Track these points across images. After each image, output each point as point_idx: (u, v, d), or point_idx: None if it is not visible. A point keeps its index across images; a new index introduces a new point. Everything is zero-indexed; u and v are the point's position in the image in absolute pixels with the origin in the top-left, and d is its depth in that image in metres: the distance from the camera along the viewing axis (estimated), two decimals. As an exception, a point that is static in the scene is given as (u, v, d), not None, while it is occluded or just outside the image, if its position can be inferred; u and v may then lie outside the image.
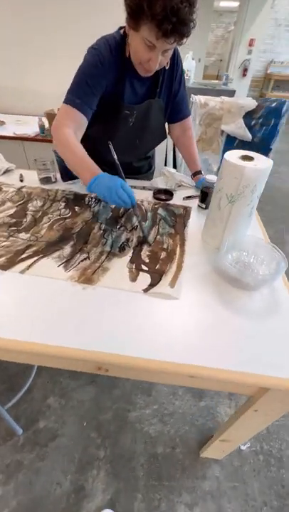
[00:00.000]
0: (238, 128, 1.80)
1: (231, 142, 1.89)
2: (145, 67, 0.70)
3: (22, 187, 0.95)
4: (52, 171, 0.96)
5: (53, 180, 0.99)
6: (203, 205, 0.88)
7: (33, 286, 0.57)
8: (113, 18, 1.00)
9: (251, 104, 1.74)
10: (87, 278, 0.60)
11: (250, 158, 0.59)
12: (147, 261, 0.66)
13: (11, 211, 0.81)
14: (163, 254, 0.68)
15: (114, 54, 0.70)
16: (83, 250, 0.68)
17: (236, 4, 5.13)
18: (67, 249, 0.68)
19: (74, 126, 0.72)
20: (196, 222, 0.82)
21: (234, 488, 0.90)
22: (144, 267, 0.64)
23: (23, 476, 0.89)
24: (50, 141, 1.58)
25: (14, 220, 0.77)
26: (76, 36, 1.82)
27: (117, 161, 0.67)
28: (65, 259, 0.64)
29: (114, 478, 0.90)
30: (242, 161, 0.58)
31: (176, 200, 0.93)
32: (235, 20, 5.43)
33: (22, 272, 0.60)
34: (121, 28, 0.74)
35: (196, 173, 0.98)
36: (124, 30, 0.71)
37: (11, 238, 0.70)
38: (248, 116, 1.78)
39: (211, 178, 0.83)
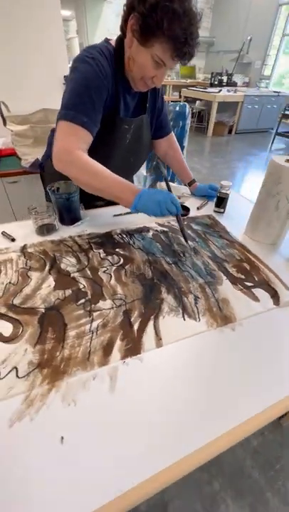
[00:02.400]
0: (157, 132, 1.94)
1: (151, 146, 2.02)
2: (147, 83, 0.70)
3: (23, 247, 0.73)
4: (52, 215, 0.78)
5: (57, 227, 0.81)
6: (221, 210, 0.95)
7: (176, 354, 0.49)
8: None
9: (162, 109, 1.90)
10: (226, 317, 0.56)
11: (294, 162, 0.70)
12: (243, 277, 0.67)
13: (49, 283, 0.62)
14: (246, 266, 0.71)
15: (110, 65, 0.67)
16: (183, 292, 0.62)
17: (68, 13, 5.24)
18: (169, 299, 0.60)
19: (85, 148, 0.67)
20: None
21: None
22: (248, 284, 0.65)
23: None
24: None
25: (70, 292, 0.60)
26: None
27: (164, 172, 0.70)
28: (180, 307, 0.57)
29: (240, 495, 0.89)
30: (292, 165, 0.68)
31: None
32: (76, 29, 5.56)
33: (158, 345, 0.50)
34: (108, 40, 0.71)
35: (190, 182, 1.03)
36: (117, 42, 0.69)
37: (95, 313, 0.55)
38: (161, 120, 1.95)
39: (226, 183, 0.90)
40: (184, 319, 0.55)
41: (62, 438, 0.37)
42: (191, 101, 5.57)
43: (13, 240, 0.76)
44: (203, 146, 4.45)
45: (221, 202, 0.93)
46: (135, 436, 0.37)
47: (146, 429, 0.38)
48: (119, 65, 0.70)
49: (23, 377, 0.44)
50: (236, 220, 0.91)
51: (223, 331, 0.53)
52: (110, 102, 0.71)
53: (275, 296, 0.61)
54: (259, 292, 0.62)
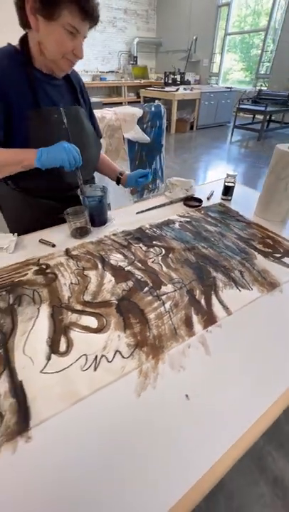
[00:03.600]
0: (137, 133, 2.02)
1: (133, 146, 2.09)
2: (69, 59, 0.67)
3: (67, 251, 0.76)
4: (86, 218, 0.82)
5: (91, 230, 0.85)
6: (229, 198, 1.06)
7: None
8: None
9: (139, 111, 1.98)
10: (272, 283, 0.66)
11: (296, 148, 0.82)
12: (270, 250, 0.78)
13: (110, 279, 0.66)
14: (269, 241, 0.82)
15: (16, 64, 0.66)
16: (228, 269, 0.71)
17: None
18: (220, 276, 0.68)
19: None
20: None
21: None
22: (277, 255, 0.76)
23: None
24: None
25: (132, 283, 0.65)
26: None
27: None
28: (232, 281, 0.66)
29: (281, 446, 1.01)
30: (295, 151, 0.80)
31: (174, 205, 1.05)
32: None
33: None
34: (9, 44, 0.68)
35: (120, 174, 0.98)
36: (20, 40, 0.67)
37: (163, 297, 0.61)
38: (140, 121, 2.03)
39: (232, 173, 1.01)
40: (240, 290, 0.64)
41: (186, 396, 0.44)
42: (149, 101, 5.72)
43: (53, 245, 0.78)
44: (169, 143, 4.62)
45: (228, 190, 1.04)
46: (238, 381, 0.45)
47: (245, 375, 0.46)
48: (28, 59, 0.67)
49: (128, 357, 0.49)
50: (242, 204, 1.03)
51: (273, 294, 0.63)
52: (23, 100, 0.68)
53: (301, 261, 0.73)
54: (288, 260, 0.74)
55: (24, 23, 0.63)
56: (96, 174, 1.01)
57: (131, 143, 2.05)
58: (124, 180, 0.98)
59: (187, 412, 0.42)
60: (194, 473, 0.35)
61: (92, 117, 0.90)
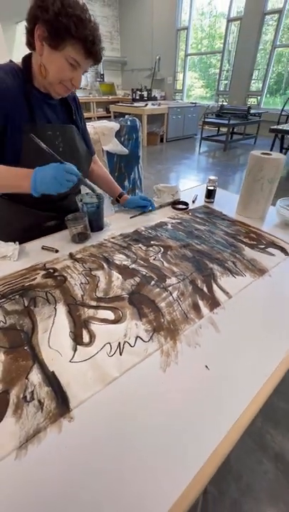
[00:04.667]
0: (116, 146, 2.11)
1: (112, 158, 2.18)
2: (66, 86, 0.71)
3: (71, 255, 0.80)
4: (85, 223, 0.86)
5: (90, 235, 0.89)
6: (212, 200, 1.16)
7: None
8: None
9: (117, 125, 2.08)
10: (261, 269, 0.75)
11: (269, 154, 0.95)
12: (255, 243, 0.88)
13: (117, 276, 0.72)
14: (253, 235, 0.92)
15: (16, 81, 0.69)
16: (222, 260, 0.79)
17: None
18: (216, 267, 0.76)
19: None
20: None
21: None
22: (261, 246, 0.86)
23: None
24: None
25: (139, 279, 0.71)
26: None
27: (43, 146, 0.66)
28: (227, 270, 0.74)
29: (278, 424, 1.09)
30: (267, 156, 0.92)
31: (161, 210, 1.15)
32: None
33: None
34: (11, 61, 0.72)
35: (120, 195, 1.06)
36: (23, 59, 0.71)
37: (169, 288, 0.68)
38: (117, 135, 2.12)
39: (214, 178, 1.12)
40: (235, 277, 0.72)
41: (206, 366, 0.50)
42: (120, 116, 5.92)
43: (56, 251, 0.82)
44: (142, 155, 4.80)
45: (211, 194, 1.14)
46: (245, 350, 0.52)
47: (250, 345, 0.54)
48: (29, 77, 0.71)
49: (148, 340, 0.54)
50: (224, 205, 1.14)
51: (264, 278, 0.72)
52: (20, 113, 0.70)
53: (283, 250, 0.84)
54: (271, 250, 0.84)
55: (30, 43, 0.67)
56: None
57: (110, 155, 2.13)
58: (124, 201, 1.04)
59: (208, 378, 0.48)
60: (226, 424, 0.41)
61: (85, 133, 0.94)
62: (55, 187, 0.65)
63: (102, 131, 2.02)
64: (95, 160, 1.05)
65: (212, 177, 1.12)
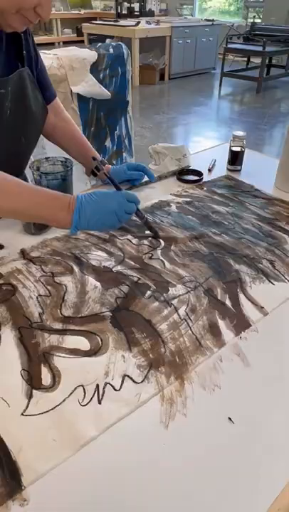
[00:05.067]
0: (92, 86, 2.11)
1: (85, 105, 2.18)
2: (28, 18, 0.71)
3: (23, 253, 0.80)
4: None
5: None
6: (238, 167, 1.17)
7: None
8: None
9: (93, 54, 2.08)
10: None
11: None
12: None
13: (94, 285, 0.72)
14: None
15: None
16: (254, 259, 0.80)
17: None
18: (244, 269, 0.77)
19: None
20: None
21: None
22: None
23: None
24: None
25: (127, 288, 0.71)
26: None
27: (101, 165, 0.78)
28: (261, 274, 0.75)
29: None
30: None
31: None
32: None
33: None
34: None
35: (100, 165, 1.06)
36: None
37: (174, 301, 0.68)
38: (94, 69, 2.12)
39: (240, 134, 1.13)
40: (273, 284, 0.73)
41: (230, 418, 0.50)
42: (97, 40, 5.92)
43: (1, 246, 0.82)
44: (133, 101, 4.80)
45: (236, 158, 1.16)
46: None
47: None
48: None
49: (142, 381, 0.55)
50: (257, 175, 1.15)
51: None
52: None
53: None
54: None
55: None
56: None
57: (83, 100, 2.13)
58: (108, 169, 1.03)
59: (232, 437, 0.48)
60: (263, 505, 0.42)
61: (41, 74, 0.94)
62: (112, 222, 0.70)
63: (70, 63, 2.01)
64: (57, 109, 1.03)
65: (238, 132, 1.13)
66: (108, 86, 2.21)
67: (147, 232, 0.85)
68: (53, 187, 0.88)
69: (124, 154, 2.55)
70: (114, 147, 2.45)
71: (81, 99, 2.12)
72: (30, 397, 0.52)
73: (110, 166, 1.06)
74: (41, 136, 1.02)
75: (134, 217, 0.82)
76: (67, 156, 1.02)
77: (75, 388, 0.53)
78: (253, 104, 4.89)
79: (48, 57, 1.99)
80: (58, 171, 0.90)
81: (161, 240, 0.85)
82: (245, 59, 6.14)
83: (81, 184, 2.12)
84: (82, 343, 0.60)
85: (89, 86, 2.09)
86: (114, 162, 2.47)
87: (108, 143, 2.39)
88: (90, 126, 2.23)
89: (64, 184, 0.89)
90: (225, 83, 5.56)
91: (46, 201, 0.68)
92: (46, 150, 1.84)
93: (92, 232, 0.87)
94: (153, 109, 4.55)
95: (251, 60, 6.00)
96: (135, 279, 0.74)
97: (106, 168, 1.04)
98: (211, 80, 5.89)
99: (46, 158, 0.92)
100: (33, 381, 0.54)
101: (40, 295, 0.69)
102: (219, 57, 5.98)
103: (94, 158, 0.86)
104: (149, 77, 5.54)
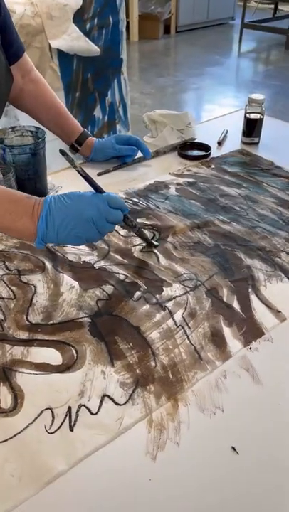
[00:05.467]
0: (76, 40, 2.11)
1: (68, 64, 2.18)
2: None
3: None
4: (10, 182, 0.87)
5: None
6: (255, 139, 1.17)
7: None
8: None
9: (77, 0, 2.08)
10: None
11: None
12: None
13: (70, 284, 0.73)
14: None
15: None
16: (270, 252, 0.80)
17: None
18: (258, 264, 0.78)
19: None
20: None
21: None
22: None
23: None
24: None
25: (112, 288, 0.72)
26: None
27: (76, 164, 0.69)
28: (279, 270, 0.76)
29: None
30: None
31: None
32: None
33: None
34: None
35: (80, 138, 1.06)
36: None
37: (168, 304, 0.68)
38: (79, 19, 2.12)
39: (258, 97, 1.13)
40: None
41: (233, 448, 0.50)
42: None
43: None
44: (131, 59, 4.81)
45: (253, 128, 1.16)
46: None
47: None
48: None
49: (126, 402, 0.55)
50: (278, 149, 1.16)
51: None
52: None
53: None
54: None
55: None
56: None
57: (65, 58, 2.14)
58: (90, 147, 1.05)
59: (236, 472, 0.48)
60: None
61: (6, 26, 0.94)
62: (89, 235, 0.66)
63: (48, 11, 2.02)
64: (25, 67, 1.03)
65: (256, 95, 1.13)
66: (96, 40, 2.21)
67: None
68: (20, 164, 0.88)
69: (118, 126, 2.55)
70: (106, 117, 2.45)
71: (62, 56, 2.12)
72: (-15, 422, 0.52)
73: (95, 138, 1.07)
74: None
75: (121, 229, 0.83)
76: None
77: (42, 412, 0.53)
78: (281, 63, 4.88)
79: (20, 3, 1.99)
80: (27, 144, 0.90)
81: (156, 228, 0.85)
82: (272, 6, 6.12)
83: (59, 161, 2.12)
84: (53, 356, 0.61)
85: (72, 40, 2.08)
86: (106, 136, 2.47)
87: (98, 112, 2.39)
88: (74, 90, 2.23)
89: (34, 160, 0.89)
90: (246, 37, 5.55)
91: (9, 204, 0.65)
92: (21, 122, 1.85)
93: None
94: (155, 70, 4.55)
95: (279, 7, 5.98)
96: (122, 277, 0.74)
97: (89, 142, 1.06)
98: (228, 33, 5.88)
99: (12, 128, 0.92)
100: (-11, 403, 0.54)
101: (1, 298, 0.70)
102: (239, 4, 5.97)
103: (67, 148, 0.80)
104: (151, 30, 5.53)
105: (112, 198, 0.68)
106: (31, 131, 0.92)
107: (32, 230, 0.64)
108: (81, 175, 0.68)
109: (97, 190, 0.69)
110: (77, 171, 0.68)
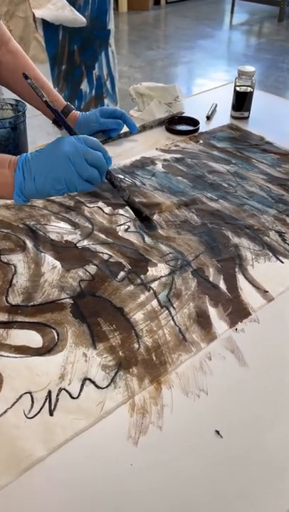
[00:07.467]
0: (61, 9, 2.04)
1: (53, 35, 2.12)
2: None
3: None
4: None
5: None
6: (245, 114, 1.15)
7: None
8: None
9: None
10: None
11: None
12: None
13: (52, 264, 0.71)
14: None
15: None
16: (258, 230, 0.79)
17: None
18: (245, 243, 0.76)
19: None
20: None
21: None
22: None
23: None
24: None
25: (95, 268, 0.70)
26: None
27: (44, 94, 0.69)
28: (267, 249, 0.74)
29: None
30: None
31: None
32: None
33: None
34: None
35: (63, 112, 1.03)
36: None
37: (153, 285, 0.67)
38: (63, -14, 2.05)
39: (248, 69, 1.10)
40: (282, 262, 0.73)
41: (217, 432, 0.49)
42: None
43: None
44: (120, 31, 4.70)
45: (243, 101, 1.13)
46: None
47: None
48: None
49: (108, 386, 0.54)
50: (269, 123, 1.14)
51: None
52: None
53: None
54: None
55: None
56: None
57: (49, 28, 2.08)
58: (73, 123, 1.02)
59: (220, 456, 0.47)
60: None
61: None
62: (67, 175, 0.62)
63: (31, -22, 1.94)
64: (1, 38, 0.99)
65: (246, 67, 1.10)
66: (83, 9, 2.15)
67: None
68: (0, 139, 0.85)
69: (106, 101, 2.50)
70: (93, 91, 2.39)
71: (47, 27, 2.06)
72: None
73: (78, 112, 1.04)
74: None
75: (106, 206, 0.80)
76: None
77: (21, 396, 0.52)
78: (273, 36, 4.80)
79: None
80: (6, 118, 0.87)
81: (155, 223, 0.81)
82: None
83: (41, 134, 2.07)
84: (33, 338, 0.60)
85: (57, 9, 2.03)
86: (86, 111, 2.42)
87: (84, 86, 2.33)
88: (59, 63, 2.17)
89: (14, 134, 0.87)
90: (238, 9, 5.44)
91: None
92: (5, 95, 1.80)
93: (52, 198, 0.85)
94: (145, 43, 4.45)
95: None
96: (106, 256, 0.73)
97: (72, 117, 1.03)
98: (220, 5, 5.76)
99: (-10, 101, 0.88)
100: None
101: (-20, 278, 0.68)
102: (231, -26, 5.82)
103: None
104: (141, 1, 5.40)
105: (89, 138, 0.66)
106: (11, 104, 0.89)
107: (9, 180, 0.63)
108: (50, 107, 0.68)
109: (71, 132, 0.68)
110: (45, 101, 0.67)
